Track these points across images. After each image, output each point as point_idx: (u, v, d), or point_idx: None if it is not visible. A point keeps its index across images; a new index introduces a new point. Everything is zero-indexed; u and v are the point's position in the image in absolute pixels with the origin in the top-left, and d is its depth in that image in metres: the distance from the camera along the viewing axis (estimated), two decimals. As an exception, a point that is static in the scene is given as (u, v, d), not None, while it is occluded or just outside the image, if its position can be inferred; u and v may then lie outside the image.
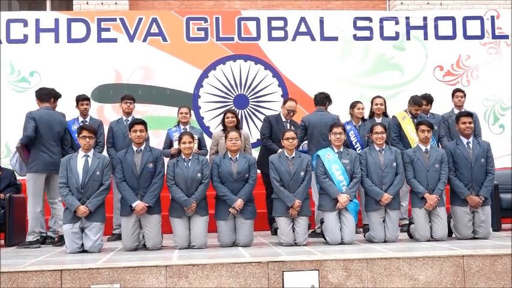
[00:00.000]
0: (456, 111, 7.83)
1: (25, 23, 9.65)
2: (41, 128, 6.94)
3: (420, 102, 7.59)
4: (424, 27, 10.19)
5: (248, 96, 9.94)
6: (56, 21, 9.71)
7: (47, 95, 7.23)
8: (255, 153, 7.96)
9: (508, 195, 7.64)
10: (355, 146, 7.54)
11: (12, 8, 12.13)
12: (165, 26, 9.88)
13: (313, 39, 10.08)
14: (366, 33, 10.13)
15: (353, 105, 7.77)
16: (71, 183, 6.20)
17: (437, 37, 10.19)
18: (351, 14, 10.34)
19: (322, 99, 7.58)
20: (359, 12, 10.61)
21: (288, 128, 7.57)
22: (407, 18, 10.21)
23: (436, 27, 10.19)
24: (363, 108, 7.77)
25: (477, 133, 7.58)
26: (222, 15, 10.06)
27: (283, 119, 7.69)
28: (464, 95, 8.05)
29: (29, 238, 6.87)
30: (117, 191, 6.83)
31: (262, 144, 7.80)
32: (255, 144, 8.88)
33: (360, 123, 7.75)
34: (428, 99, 7.89)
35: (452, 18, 10.24)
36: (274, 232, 7.21)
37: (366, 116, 8.00)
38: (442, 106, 8.27)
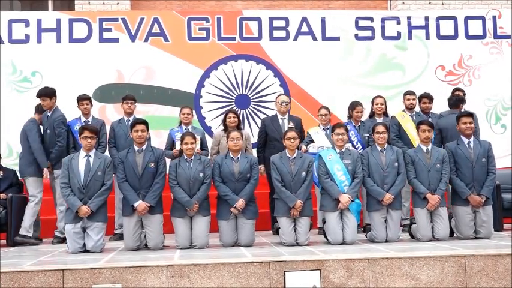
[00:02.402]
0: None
1: (27, 23, 9.66)
2: None
3: (412, 91, 7.80)
4: (426, 27, 10.18)
5: (250, 96, 9.94)
6: (58, 21, 9.71)
7: None
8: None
9: (509, 195, 7.63)
10: (356, 146, 7.55)
11: (13, 8, 12.13)
12: (167, 26, 9.88)
13: (314, 39, 10.07)
14: (368, 33, 10.13)
15: (352, 107, 7.79)
16: (73, 183, 6.21)
17: (439, 37, 10.18)
18: (353, 13, 10.33)
19: (456, 103, 7.61)
20: (361, 12, 10.60)
21: (287, 124, 7.62)
22: (409, 18, 10.20)
23: (437, 27, 10.18)
24: (361, 111, 7.78)
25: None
26: (224, 15, 10.05)
27: (280, 117, 7.72)
28: (464, 94, 8.03)
29: None
30: (119, 191, 6.83)
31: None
32: (256, 145, 8.88)
33: (360, 123, 7.77)
34: (430, 97, 7.90)
35: (454, 18, 10.23)
36: (276, 232, 7.22)
37: (366, 116, 8.02)
38: (444, 106, 8.25)
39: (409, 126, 7.52)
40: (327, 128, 7.68)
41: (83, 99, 7.61)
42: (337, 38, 10.11)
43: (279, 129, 7.58)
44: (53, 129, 7.36)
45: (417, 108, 7.88)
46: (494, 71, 10.12)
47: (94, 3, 10.96)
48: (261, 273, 4.96)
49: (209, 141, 8.05)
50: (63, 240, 7.13)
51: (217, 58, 9.94)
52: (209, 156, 7.46)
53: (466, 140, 6.69)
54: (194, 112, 8.54)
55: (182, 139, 6.46)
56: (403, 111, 7.75)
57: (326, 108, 7.90)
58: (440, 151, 6.62)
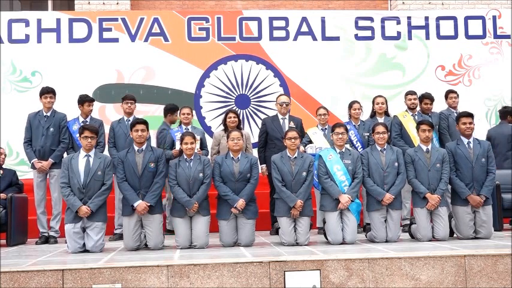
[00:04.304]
0: (453, 111, 7.87)
1: (27, 23, 9.67)
2: None
3: (413, 91, 7.94)
4: (426, 27, 10.20)
5: (250, 96, 9.94)
6: (58, 21, 9.72)
7: None
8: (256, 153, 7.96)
9: (509, 195, 7.61)
10: (356, 145, 7.56)
11: (13, 8, 12.14)
12: (167, 26, 9.89)
13: (314, 39, 10.09)
14: (368, 33, 10.14)
15: (350, 106, 7.85)
16: (73, 183, 6.20)
17: (439, 37, 10.19)
18: (353, 13, 10.35)
19: (504, 114, 8.48)
20: (360, 12, 10.62)
21: (287, 123, 7.62)
22: (408, 18, 10.22)
23: (437, 26, 10.20)
24: (359, 108, 7.80)
25: None
26: (224, 15, 10.06)
27: (280, 117, 7.74)
28: (458, 96, 8.07)
29: None
30: (118, 191, 6.83)
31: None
32: (256, 145, 8.88)
33: (359, 122, 7.79)
34: (431, 98, 7.94)
35: (454, 18, 10.24)
36: (275, 232, 7.22)
37: (368, 116, 8.05)
38: (444, 106, 8.26)
39: (410, 126, 7.54)
40: (325, 128, 7.69)
41: (90, 100, 7.60)
42: (337, 38, 10.12)
43: (279, 129, 7.59)
44: (59, 127, 7.40)
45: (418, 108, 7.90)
46: (494, 71, 10.14)
47: (94, 3, 10.97)
48: (261, 273, 4.96)
49: (209, 141, 8.05)
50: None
51: (217, 58, 9.95)
52: (209, 156, 7.46)
53: (465, 140, 6.69)
54: (194, 112, 8.54)
55: (182, 139, 6.45)
56: (406, 111, 7.77)
57: (324, 108, 7.92)
58: (440, 151, 6.62)
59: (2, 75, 9.53)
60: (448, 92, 8.14)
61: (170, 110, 8.02)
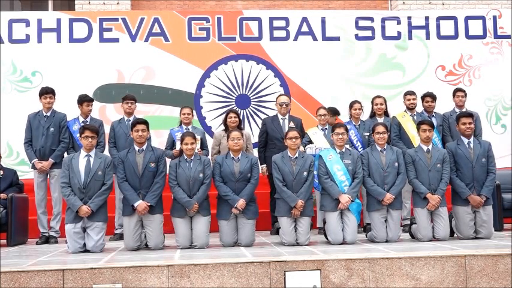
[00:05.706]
0: (457, 110, 7.86)
1: (27, 23, 9.66)
2: None
3: (412, 91, 7.90)
4: (426, 27, 10.18)
5: (250, 96, 9.94)
6: (58, 21, 9.71)
7: None
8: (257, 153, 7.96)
9: (509, 195, 7.62)
10: (356, 145, 7.57)
11: (14, 8, 12.14)
12: (167, 26, 9.88)
13: (315, 39, 10.07)
14: (368, 33, 10.12)
15: (350, 106, 7.86)
16: (73, 183, 6.21)
17: (439, 37, 10.18)
18: (353, 13, 10.33)
19: None
20: (361, 12, 10.61)
21: (287, 124, 7.63)
22: (409, 18, 10.20)
23: (438, 26, 10.18)
24: (359, 109, 7.81)
25: (477, 133, 7.61)
26: (224, 15, 10.05)
27: (280, 117, 7.74)
28: (466, 95, 8.07)
29: None
30: (119, 191, 6.84)
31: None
32: (257, 145, 8.89)
33: (360, 122, 7.80)
34: (433, 96, 7.94)
35: (454, 18, 10.23)
36: (275, 232, 7.22)
37: (367, 116, 8.06)
38: (444, 106, 8.27)
39: (409, 126, 7.56)
40: (325, 128, 7.69)
41: (89, 100, 7.61)
42: (337, 38, 10.11)
43: (279, 129, 7.60)
44: (59, 127, 7.41)
45: (419, 108, 7.91)
46: (495, 71, 10.12)
47: (94, 3, 10.97)
48: (261, 273, 4.96)
49: (209, 141, 8.05)
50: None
51: (217, 58, 9.94)
52: (209, 156, 7.46)
53: (466, 140, 6.70)
54: (194, 112, 8.54)
55: (182, 139, 6.45)
56: (404, 111, 7.79)
57: (324, 108, 7.93)
58: (441, 151, 6.63)
59: (2, 75, 9.52)
60: (456, 91, 8.11)
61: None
